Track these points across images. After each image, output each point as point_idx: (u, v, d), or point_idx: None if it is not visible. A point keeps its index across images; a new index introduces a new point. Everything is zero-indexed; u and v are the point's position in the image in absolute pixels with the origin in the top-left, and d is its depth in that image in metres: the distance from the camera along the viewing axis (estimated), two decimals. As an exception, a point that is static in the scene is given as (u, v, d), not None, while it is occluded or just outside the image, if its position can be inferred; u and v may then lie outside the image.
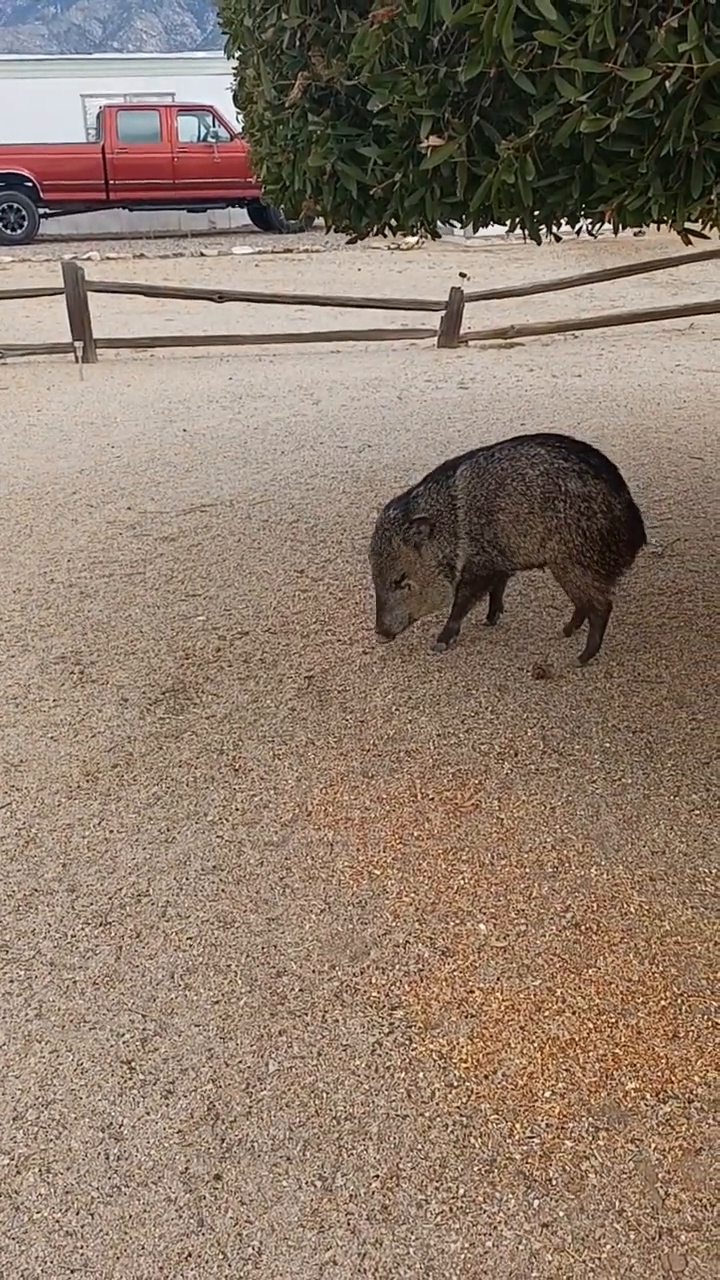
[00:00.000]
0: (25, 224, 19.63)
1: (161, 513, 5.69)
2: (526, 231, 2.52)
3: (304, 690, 3.82)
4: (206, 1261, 1.90)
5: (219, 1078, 2.27)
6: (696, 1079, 2.24)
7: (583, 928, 2.67)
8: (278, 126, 2.76)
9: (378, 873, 2.88)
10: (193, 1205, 2.00)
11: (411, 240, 19.30)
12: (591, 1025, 2.38)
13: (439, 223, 2.74)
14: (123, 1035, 2.37)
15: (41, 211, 19.85)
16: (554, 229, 2.60)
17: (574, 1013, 2.42)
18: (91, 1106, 2.20)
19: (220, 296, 9.83)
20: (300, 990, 2.49)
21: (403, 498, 3.87)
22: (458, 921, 2.70)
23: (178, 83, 22.90)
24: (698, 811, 3.09)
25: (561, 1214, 1.98)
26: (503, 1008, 2.43)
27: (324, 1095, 2.22)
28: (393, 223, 2.70)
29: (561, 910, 2.73)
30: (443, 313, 10.20)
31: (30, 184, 19.36)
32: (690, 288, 12.74)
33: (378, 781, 3.27)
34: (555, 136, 2.00)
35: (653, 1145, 2.11)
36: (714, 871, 2.85)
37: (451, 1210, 1.99)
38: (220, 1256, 1.91)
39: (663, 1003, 2.43)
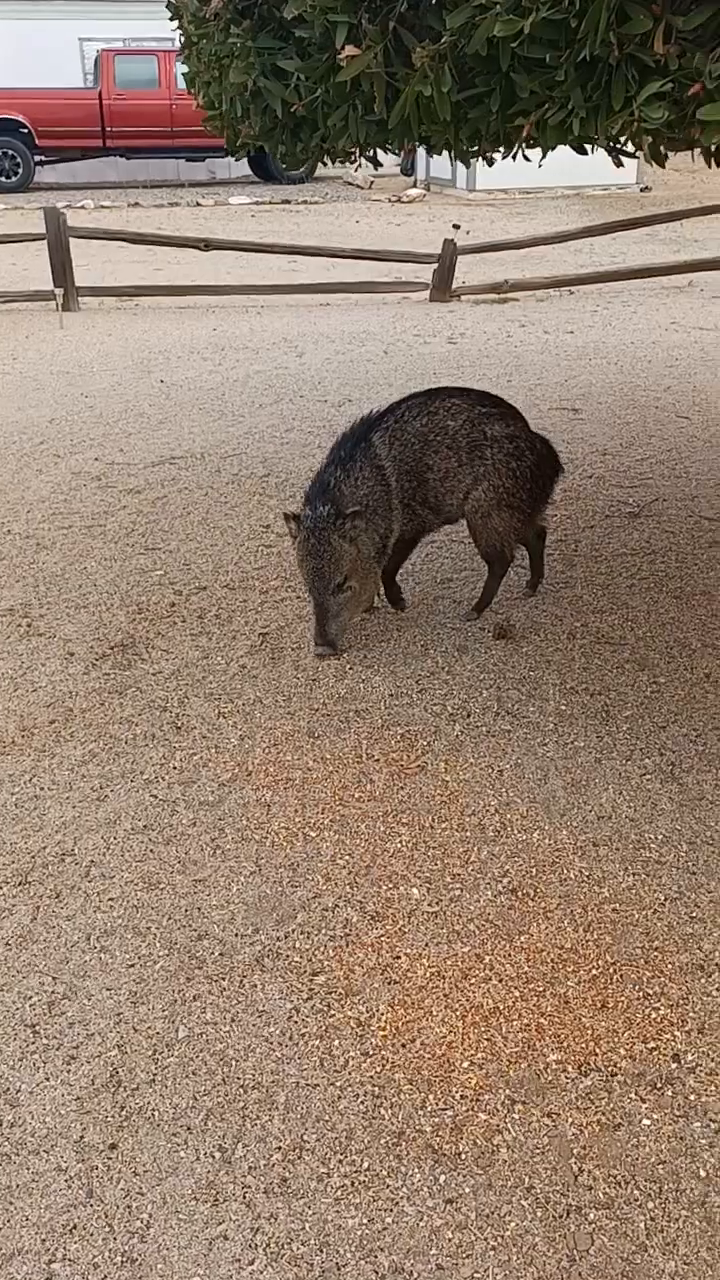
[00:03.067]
0: (20, 171, 19.25)
1: (129, 464, 5.55)
2: (452, 154, 2.38)
3: (257, 647, 3.72)
4: (91, 1234, 1.83)
5: (125, 1044, 2.19)
6: (621, 1052, 2.16)
7: (519, 893, 2.58)
8: (202, 41, 2.60)
9: (313, 834, 2.79)
10: (83, 1175, 1.93)
11: (413, 192, 18.93)
12: (518, 994, 2.30)
13: (380, 150, 2.59)
14: (30, 998, 2.29)
15: (37, 159, 19.46)
16: (483, 152, 2.45)
17: (501, 981, 2.33)
18: (-10, 1071, 2.13)
19: (206, 244, 9.60)
20: (220, 954, 2.41)
21: (322, 488, 3.47)
22: (390, 885, 2.61)
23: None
24: (649, 776, 3.00)
25: (467, 1189, 1.91)
26: (428, 974, 2.35)
27: (233, 1063, 2.15)
28: (327, 147, 2.54)
29: (499, 875, 2.64)
30: (435, 266, 9.96)
31: (25, 130, 18.95)
32: (693, 245, 12.44)
33: (323, 741, 3.17)
34: (471, 42, 1.85)
35: (570, 1120, 2.03)
36: (660, 837, 2.75)
37: (353, 1184, 1.92)
38: (106, 1229, 1.84)
39: (594, 972, 2.34)
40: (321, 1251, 1.81)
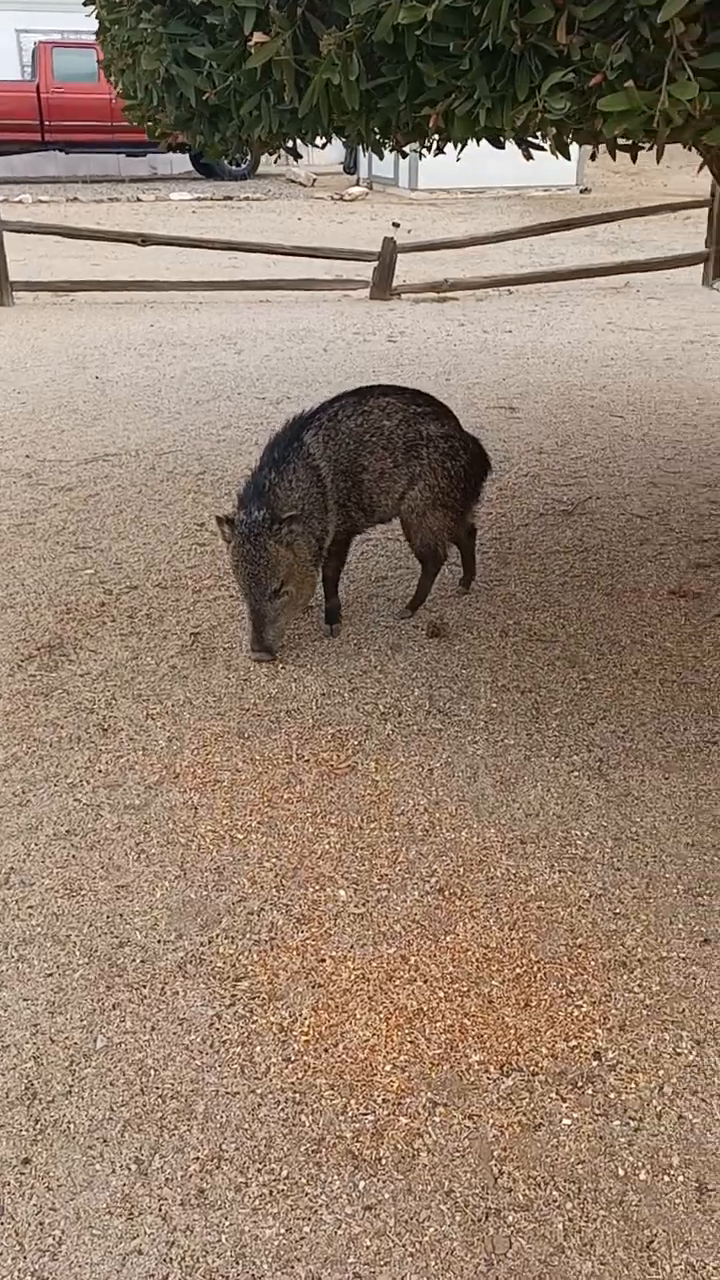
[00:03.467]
0: (-43, 165, 18.93)
1: (61, 461, 5.46)
2: (364, 144, 2.36)
3: (188, 647, 3.67)
4: (1, 1253, 1.78)
5: (42, 1055, 2.14)
6: (544, 1051, 2.15)
7: (446, 893, 2.57)
8: (115, 26, 2.54)
9: (240, 837, 2.75)
10: (-6, 1192, 1.88)
11: (355, 190, 18.91)
12: (442, 994, 2.28)
13: (299, 141, 2.55)
14: (-56, 1010, 2.23)
15: (-29, 152, 19.14)
16: (396, 144, 2.42)
17: (426, 981, 2.32)
18: None
19: (143, 240, 9.49)
20: (141, 961, 2.37)
21: (256, 491, 3.38)
22: (318, 887, 2.58)
23: (118, 20, 22.07)
24: (577, 773, 3.00)
25: (387, 1195, 1.89)
26: (352, 977, 2.33)
27: (152, 1072, 2.11)
28: (244, 136, 2.50)
29: (426, 875, 2.63)
30: (375, 264, 9.95)
31: (-40, 123, 18.62)
32: (630, 246, 12.58)
33: (253, 742, 3.14)
34: (377, 30, 1.82)
35: (491, 1121, 2.02)
36: (586, 834, 2.76)
37: (271, 1193, 1.89)
38: (16, 1248, 1.79)
39: (518, 970, 2.34)
40: (238, 1264, 1.78)
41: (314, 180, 19.79)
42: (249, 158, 20.86)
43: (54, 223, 11.35)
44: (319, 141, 2.52)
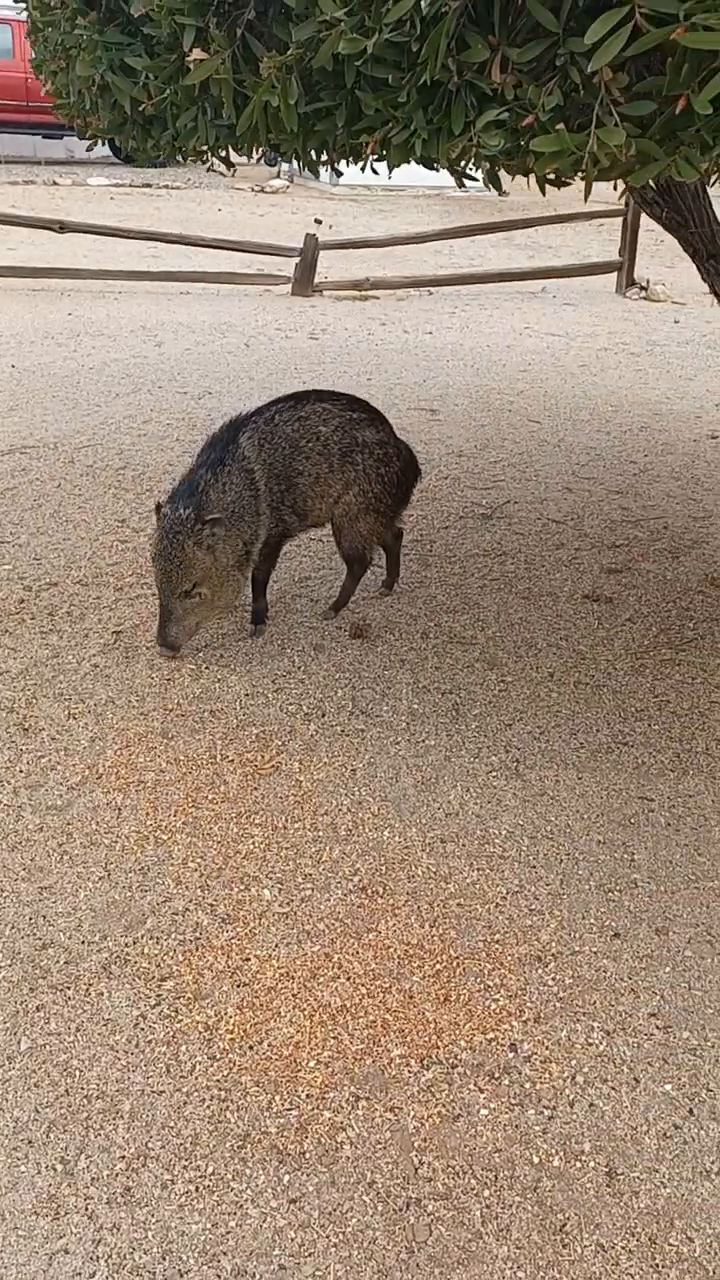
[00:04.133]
0: None
1: (-23, 453, 5.37)
2: (300, 162, 2.40)
3: (110, 646, 3.66)
4: None
5: (-35, 1058, 2.13)
6: (462, 1043, 2.22)
7: (369, 891, 2.63)
8: (48, 29, 2.53)
9: (165, 837, 2.77)
10: None
11: (276, 183, 18.85)
12: (365, 991, 2.34)
13: (233, 153, 2.57)
14: None
15: None
16: (332, 163, 2.47)
17: (349, 978, 2.37)
18: None
19: (61, 226, 9.33)
20: (66, 963, 2.37)
21: (187, 489, 3.37)
22: (242, 887, 2.62)
23: (35, -3, 21.56)
24: (495, 773, 3.09)
25: (311, 1188, 1.94)
26: (277, 975, 2.37)
27: (77, 1073, 2.12)
28: (179, 145, 2.51)
29: (350, 874, 2.68)
30: (297, 259, 9.96)
31: None
32: (547, 251, 12.82)
33: (177, 742, 3.15)
34: (317, 57, 1.86)
35: (411, 1113, 2.09)
36: (504, 833, 2.85)
37: (198, 1189, 1.92)
38: (-59, 1251, 1.79)
39: (438, 966, 2.41)
40: (164, 1260, 1.81)
41: (234, 171, 19.63)
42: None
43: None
44: (255, 154, 2.55)
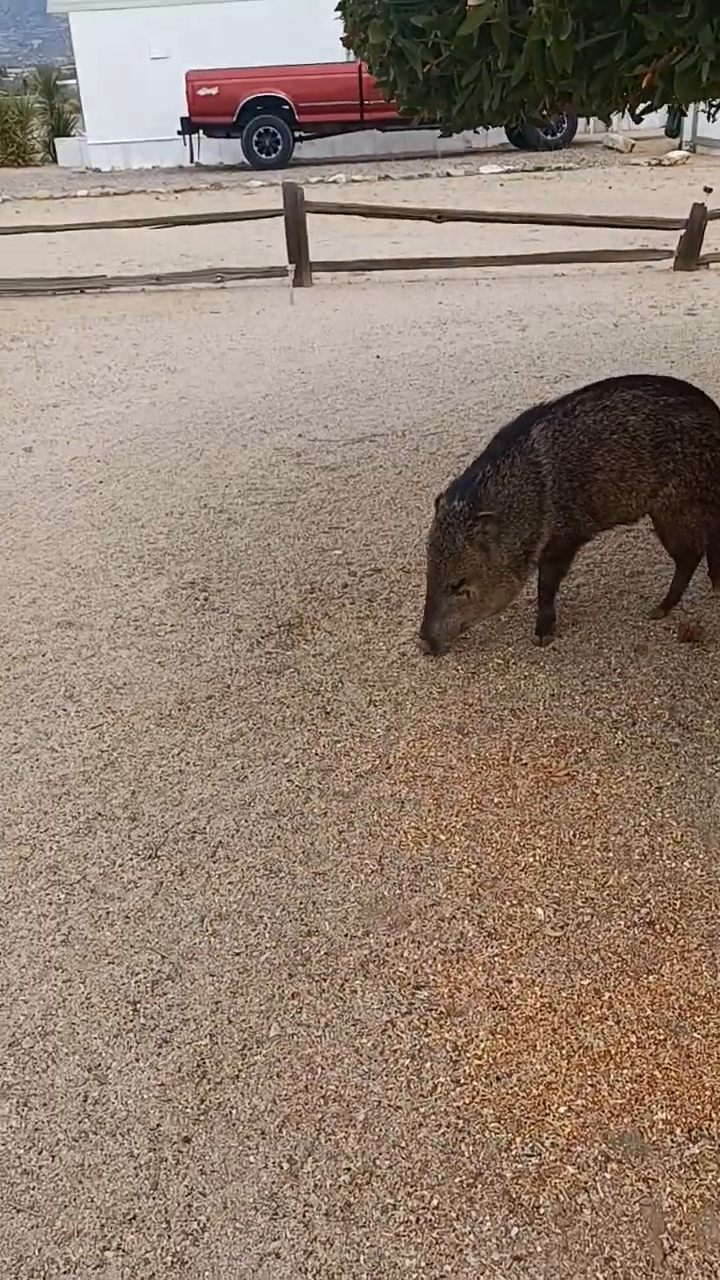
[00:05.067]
0: (280, 148, 19.79)
1: (330, 441, 5.56)
2: (586, 113, 2.13)
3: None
4: (149, 1228, 1.82)
5: (218, 1034, 2.17)
6: (741, 1122, 1.92)
7: (656, 927, 2.36)
8: (351, 2, 2.46)
9: (443, 838, 2.67)
10: (152, 1165, 1.93)
11: (675, 155, 17.93)
12: (635, 1039, 2.10)
13: (523, 113, 2.36)
14: (137, 974, 2.32)
15: (296, 134, 19.92)
16: (620, 107, 2.17)
17: (619, 1022, 2.14)
18: (86, 1044, 2.17)
19: (439, 216, 9.46)
20: (326, 953, 2.35)
21: (468, 481, 3.22)
22: (515, 902, 2.46)
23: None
24: None
25: (539, 1249, 1.76)
26: (538, 1004, 2.19)
27: (318, 1070, 2.08)
28: (482, 109, 2.34)
29: (637, 904, 2.43)
30: (681, 232, 9.36)
31: (287, 106, 19.41)
32: None
33: (471, 739, 3.04)
34: (589, -21, 1.63)
35: (669, 1189, 1.83)
36: None
37: (418, 1221, 1.81)
38: (164, 1225, 1.83)
39: (726, 1027, 2.10)
40: (370, 1288, 1.72)
41: (632, 146, 18.95)
42: (565, 126, 20.38)
43: (363, 202, 11.58)
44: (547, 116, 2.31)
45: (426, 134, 20.51)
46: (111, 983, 2.31)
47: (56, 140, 23.89)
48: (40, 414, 6.44)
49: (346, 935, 2.40)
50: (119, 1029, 2.20)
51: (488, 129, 2.53)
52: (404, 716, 3.15)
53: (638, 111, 2.32)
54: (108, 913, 2.50)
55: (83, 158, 22.08)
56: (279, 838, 2.71)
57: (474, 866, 2.57)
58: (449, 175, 17.52)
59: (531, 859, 2.58)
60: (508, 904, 2.45)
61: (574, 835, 2.65)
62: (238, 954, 2.37)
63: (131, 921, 2.47)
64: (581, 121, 20.44)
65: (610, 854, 2.58)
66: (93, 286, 9.80)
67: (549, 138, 20.05)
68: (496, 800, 2.79)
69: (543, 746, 2.98)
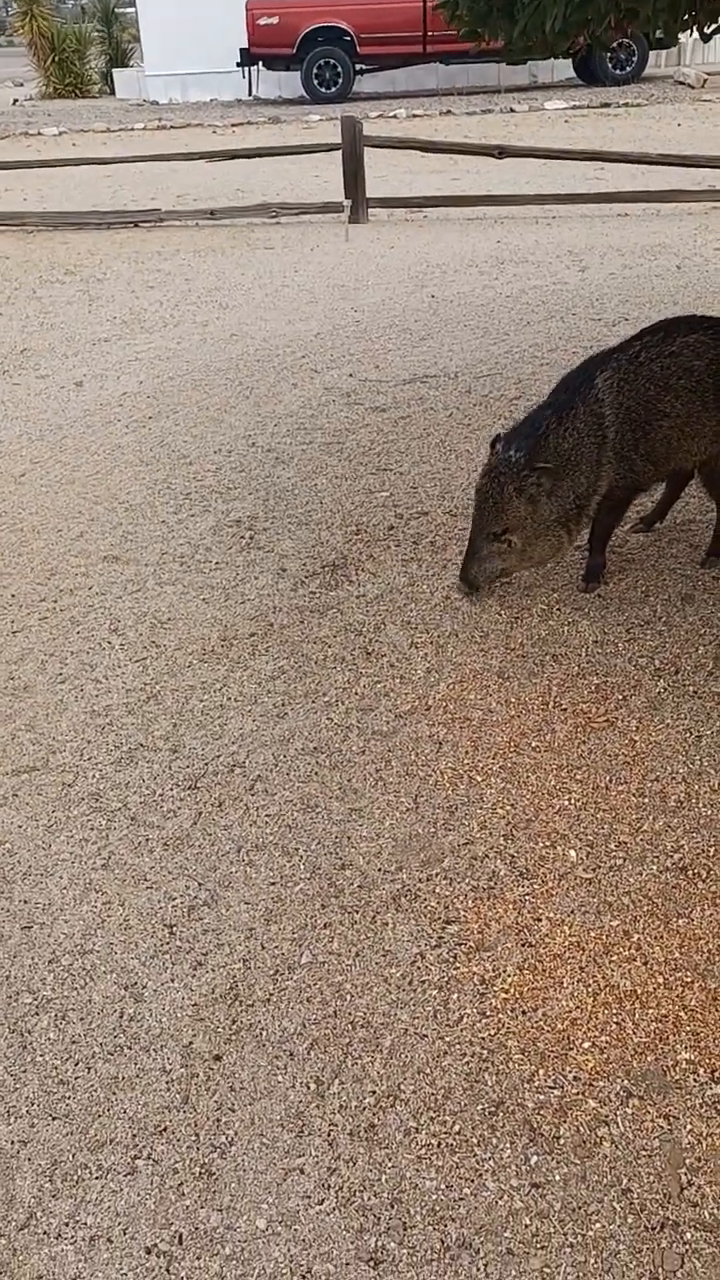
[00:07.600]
0: (340, 81, 19.32)
1: (381, 381, 5.50)
2: (652, 33, 2.04)
3: (468, 577, 3.59)
4: (178, 1140, 1.89)
5: (251, 959, 2.22)
6: (765, 1066, 1.93)
7: (689, 872, 2.37)
8: None
9: (479, 779, 2.68)
10: (184, 1080, 1.99)
11: (749, 90, 17.22)
12: (662, 980, 2.12)
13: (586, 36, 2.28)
14: (174, 899, 2.38)
15: (357, 67, 19.43)
16: (693, 25, 2.07)
17: (646, 963, 2.15)
18: (123, 964, 2.23)
19: (501, 152, 9.22)
20: (359, 886, 2.39)
21: (527, 430, 3.12)
22: (548, 844, 2.47)
23: None
24: None
25: (558, 1178, 1.80)
26: (566, 943, 2.21)
27: (348, 997, 2.13)
28: (546, 30, 2.24)
29: (670, 849, 2.43)
30: (752, 171, 9.04)
31: (348, 38, 18.91)
32: None
33: (511, 683, 3.04)
34: None
35: (689, 1127, 1.86)
36: None
37: (440, 1146, 1.86)
38: (193, 1138, 1.89)
39: (754, 973, 2.11)
40: (392, 1207, 1.77)
41: (705, 81, 18.25)
42: (634, 59, 19.64)
43: (425, 137, 11.30)
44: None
45: (491, 68, 19.96)
46: (149, 906, 2.37)
47: (114, 71, 23.56)
48: (91, 348, 6.44)
49: (380, 870, 2.43)
50: (155, 950, 2.26)
51: (553, 58, 2.44)
52: (445, 659, 3.16)
53: (708, 31, 2.22)
54: (147, 840, 2.56)
55: (140, 90, 21.77)
56: (317, 774, 2.74)
57: (508, 808, 2.58)
58: (512, 111, 17.02)
59: (566, 802, 2.59)
60: (541, 845, 2.46)
61: (610, 780, 2.65)
62: (273, 884, 2.41)
63: (170, 849, 2.53)
64: (652, 56, 19.71)
65: (646, 800, 2.58)
66: (146, 220, 9.72)
67: (618, 72, 19.35)
68: (534, 744, 2.79)
69: (583, 692, 2.97)
